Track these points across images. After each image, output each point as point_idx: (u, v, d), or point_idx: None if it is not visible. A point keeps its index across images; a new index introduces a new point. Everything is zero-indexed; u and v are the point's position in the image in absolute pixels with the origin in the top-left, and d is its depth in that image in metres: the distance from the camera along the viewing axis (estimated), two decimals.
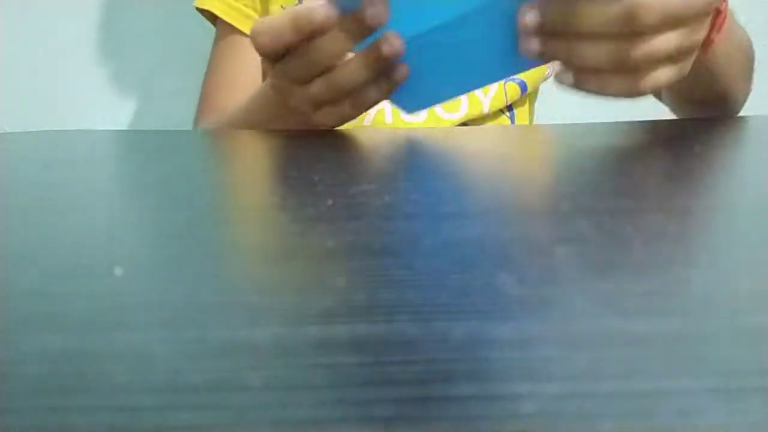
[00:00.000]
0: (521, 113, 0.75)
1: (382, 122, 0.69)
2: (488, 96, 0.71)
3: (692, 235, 0.22)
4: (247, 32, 0.73)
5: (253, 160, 0.39)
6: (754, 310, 0.16)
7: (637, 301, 0.16)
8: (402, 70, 0.44)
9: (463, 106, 0.71)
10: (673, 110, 0.66)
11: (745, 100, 0.64)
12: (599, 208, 0.26)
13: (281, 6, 0.72)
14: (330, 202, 0.28)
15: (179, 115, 0.87)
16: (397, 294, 0.17)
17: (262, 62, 0.49)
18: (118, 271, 0.19)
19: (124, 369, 0.13)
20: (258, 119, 0.57)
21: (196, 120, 0.76)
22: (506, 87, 0.71)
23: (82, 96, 0.97)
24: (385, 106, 0.66)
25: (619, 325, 0.15)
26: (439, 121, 0.70)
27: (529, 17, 0.41)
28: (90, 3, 0.97)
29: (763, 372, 0.13)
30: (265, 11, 0.74)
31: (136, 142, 0.51)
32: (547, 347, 0.14)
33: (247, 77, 0.74)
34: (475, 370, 0.13)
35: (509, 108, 0.73)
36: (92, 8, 0.97)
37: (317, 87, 0.46)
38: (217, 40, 0.77)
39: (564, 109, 0.84)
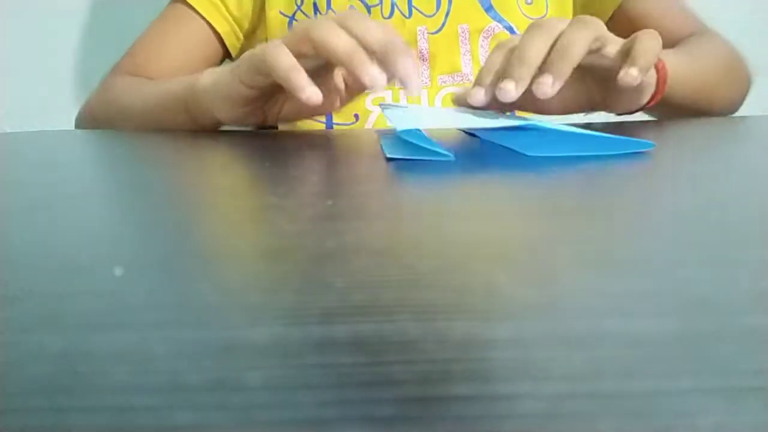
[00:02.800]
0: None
1: (383, 124, 0.69)
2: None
3: (692, 235, 0.22)
4: (202, 13, 0.73)
5: (253, 160, 0.39)
6: (754, 310, 0.16)
7: (637, 301, 0.16)
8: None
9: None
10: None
11: (739, 98, 0.68)
12: (599, 208, 0.26)
13: (279, 11, 0.71)
14: (330, 202, 0.28)
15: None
16: (397, 294, 0.17)
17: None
18: (118, 271, 0.19)
19: (124, 369, 0.13)
20: (170, 114, 0.59)
21: (114, 71, 0.75)
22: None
23: (82, 97, 0.97)
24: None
25: (619, 325, 0.15)
26: None
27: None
28: (90, 3, 0.97)
29: (763, 372, 0.13)
30: (260, 15, 0.73)
31: (136, 143, 0.51)
32: (547, 347, 0.14)
33: (179, 53, 0.73)
34: (475, 370, 0.13)
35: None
36: (92, 9, 0.98)
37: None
38: (168, 7, 0.76)
39: None
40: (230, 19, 0.73)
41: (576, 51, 0.46)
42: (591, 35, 0.47)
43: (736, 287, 0.17)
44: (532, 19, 0.72)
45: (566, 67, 0.46)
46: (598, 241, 0.22)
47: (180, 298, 0.17)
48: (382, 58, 0.45)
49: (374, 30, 0.46)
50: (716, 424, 0.11)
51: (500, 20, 0.71)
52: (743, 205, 0.27)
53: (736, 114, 0.68)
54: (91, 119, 0.71)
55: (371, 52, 0.46)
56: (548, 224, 0.24)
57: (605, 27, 0.49)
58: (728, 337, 0.14)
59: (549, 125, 0.39)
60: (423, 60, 0.71)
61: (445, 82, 0.71)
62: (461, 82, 0.71)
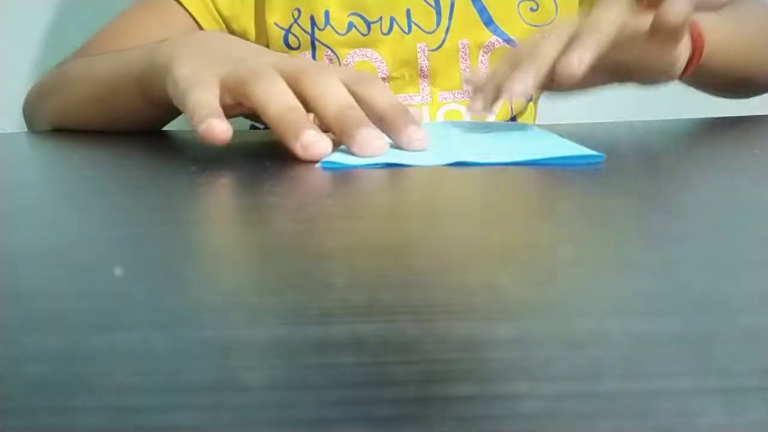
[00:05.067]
0: (524, 119, 0.74)
1: None
2: (492, 112, 0.70)
3: (692, 235, 0.22)
4: (189, 8, 0.68)
5: (253, 159, 0.39)
6: (754, 310, 0.16)
7: (637, 301, 0.16)
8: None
9: (466, 119, 0.70)
10: (706, 92, 0.67)
11: None
12: (599, 208, 0.26)
13: (274, 22, 0.69)
14: (330, 202, 0.28)
15: (179, 118, 0.87)
16: (397, 294, 0.17)
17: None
18: (118, 271, 0.19)
19: (124, 369, 0.13)
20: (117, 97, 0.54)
21: (78, 53, 0.70)
22: (512, 100, 0.70)
23: None
24: None
25: (619, 325, 0.15)
26: None
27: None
28: (90, 4, 0.98)
29: (763, 372, 0.13)
30: (262, 22, 0.71)
31: (136, 143, 0.51)
32: (547, 347, 0.14)
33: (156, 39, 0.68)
34: (475, 370, 0.13)
35: (513, 119, 0.73)
36: (92, 9, 0.97)
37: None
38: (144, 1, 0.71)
39: (566, 110, 0.84)
40: (219, 19, 0.70)
41: (607, 27, 0.43)
42: (622, 14, 0.43)
43: (736, 287, 0.17)
44: (536, 27, 0.70)
45: (596, 41, 0.42)
46: (599, 241, 0.22)
47: (180, 298, 0.17)
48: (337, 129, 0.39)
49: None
50: (716, 424, 0.11)
51: (500, 34, 0.70)
52: (744, 204, 0.27)
53: (746, 114, 0.67)
54: (38, 97, 0.67)
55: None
56: (548, 224, 0.24)
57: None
58: (728, 337, 0.14)
59: (491, 161, 0.35)
60: (424, 77, 0.70)
61: (446, 98, 0.70)
62: (462, 100, 0.70)
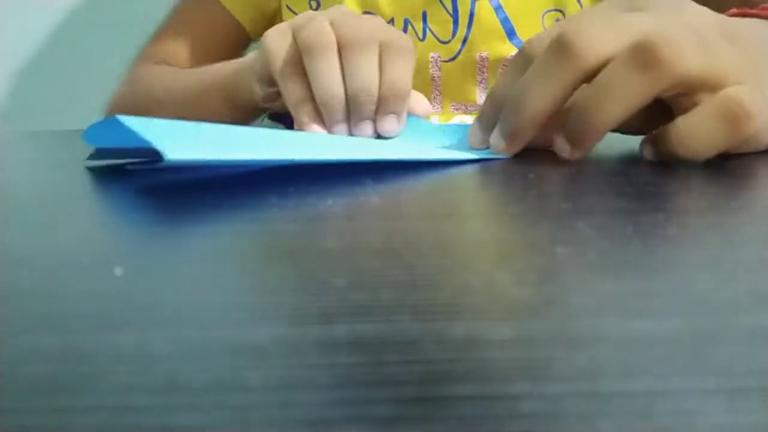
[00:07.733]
0: None
1: None
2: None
3: (692, 235, 0.22)
4: (224, 3, 0.72)
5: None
6: (754, 310, 0.16)
7: (637, 301, 0.16)
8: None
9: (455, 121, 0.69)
10: None
11: None
12: (599, 208, 0.26)
13: (286, 5, 0.70)
14: (330, 202, 0.28)
15: None
16: (397, 294, 0.17)
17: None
18: (118, 271, 0.19)
19: (124, 369, 0.13)
20: (210, 101, 0.59)
21: (138, 60, 0.74)
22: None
23: (82, 96, 0.97)
24: None
25: (619, 325, 0.15)
26: None
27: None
28: (90, 4, 0.98)
29: (763, 372, 0.13)
30: (277, 10, 0.72)
31: None
32: (547, 347, 0.14)
33: (202, 41, 0.72)
34: (475, 370, 0.13)
35: None
36: (93, 9, 0.98)
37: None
38: None
39: None
40: (250, 2, 0.72)
41: (608, 120, 0.32)
42: (653, 87, 0.32)
43: (736, 287, 0.17)
44: None
45: (589, 140, 0.34)
46: (598, 241, 0.21)
47: (180, 298, 0.17)
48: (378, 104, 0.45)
49: (367, 72, 0.44)
50: (716, 424, 0.11)
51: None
52: (743, 204, 0.27)
53: None
54: (120, 112, 0.71)
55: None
56: (548, 224, 0.24)
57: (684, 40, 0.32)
58: (728, 337, 0.14)
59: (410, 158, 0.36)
60: (435, 86, 0.68)
61: (457, 109, 0.68)
62: (475, 112, 0.67)
